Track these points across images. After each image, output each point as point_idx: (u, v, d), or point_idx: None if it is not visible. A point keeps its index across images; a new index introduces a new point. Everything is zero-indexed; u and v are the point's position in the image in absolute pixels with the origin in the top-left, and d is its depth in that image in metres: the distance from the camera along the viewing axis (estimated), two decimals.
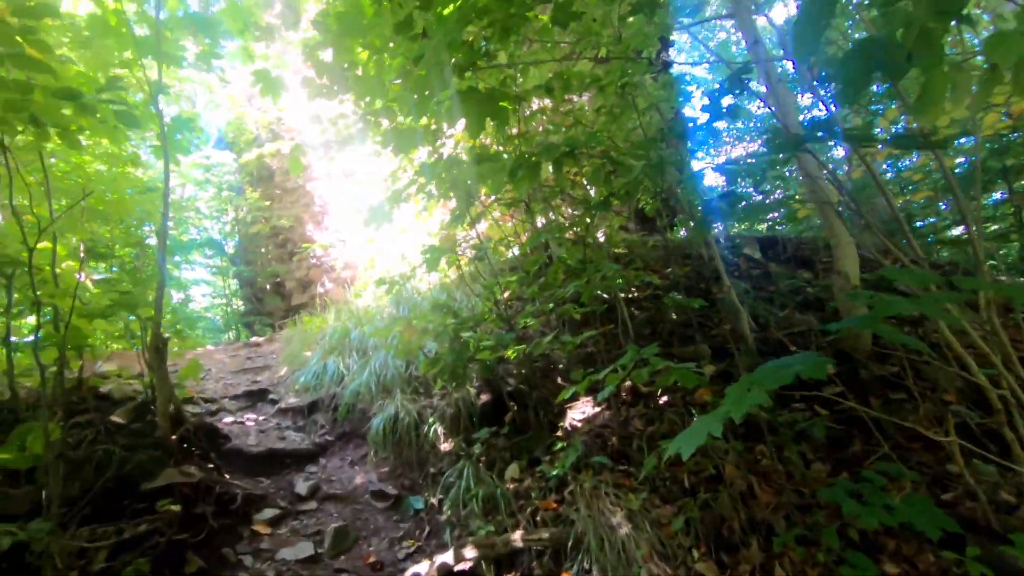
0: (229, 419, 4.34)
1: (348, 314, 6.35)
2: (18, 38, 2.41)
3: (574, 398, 3.72)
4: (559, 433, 3.48)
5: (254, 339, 7.87)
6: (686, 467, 2.74)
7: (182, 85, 12.06)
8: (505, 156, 3.67)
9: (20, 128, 2.64)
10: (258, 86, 4.67)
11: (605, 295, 4.52)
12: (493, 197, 4.71)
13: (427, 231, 7.46)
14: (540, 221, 5.13)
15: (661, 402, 3.37)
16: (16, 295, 3.59)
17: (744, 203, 2.34)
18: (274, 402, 4.79)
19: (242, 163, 11.04)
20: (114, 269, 10.92)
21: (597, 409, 3.54)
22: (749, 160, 8.69)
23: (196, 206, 11.61)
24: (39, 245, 3.92)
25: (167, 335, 4.64)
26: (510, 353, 3.20)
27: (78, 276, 3.78)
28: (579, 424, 3.46)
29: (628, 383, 3.68)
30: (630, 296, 4.64)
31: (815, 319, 3.83)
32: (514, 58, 3.31)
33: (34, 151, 3.38)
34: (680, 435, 1.50)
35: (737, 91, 2.14)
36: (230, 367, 6.17)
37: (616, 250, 5.90)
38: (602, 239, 5.71)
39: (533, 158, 2.92)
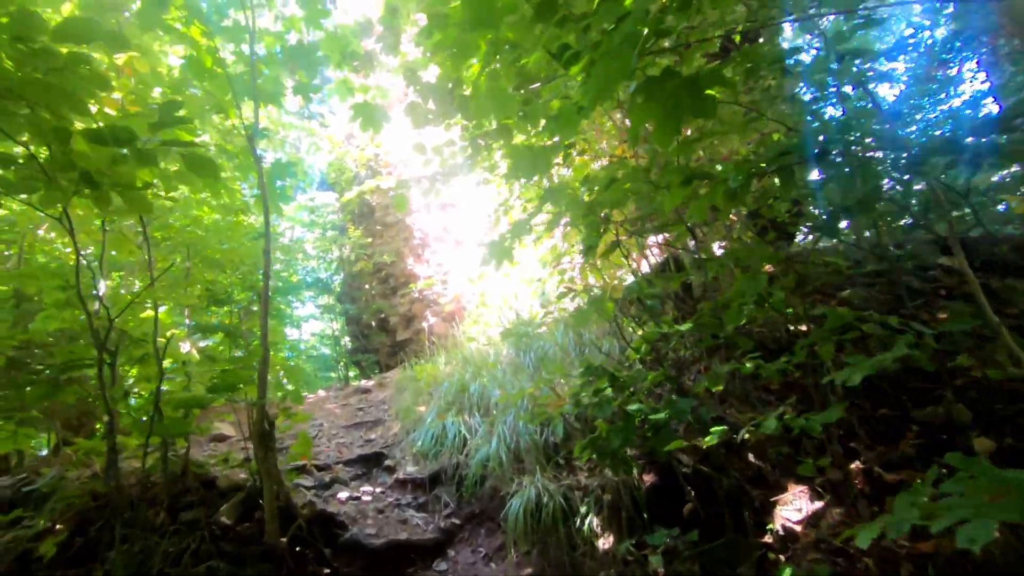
0: (344, 494, 3.82)
1: (461, 360, 5.77)
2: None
3: (778, 486, 2.77)
4: (768, 538, 2.54)
5: (363, 383, 7.55)
6: None
7: (286, 132, 12.53)
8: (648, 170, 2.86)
9: (73, 189, 2.17)
10: (358, 121, 4.25)
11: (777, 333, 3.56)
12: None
13: (539, 261, 6.79)
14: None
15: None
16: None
17: None
18: (390, 469, 4.23)
19: (343, 202, 11.11)
20: (237, 307, 11.45)
21: (819, 504, 2.57)
22: None
23: (303, 248, 11.82)
24: (143, 314, 3.67)
25: (280, 395, 4.29)
26: (708, 440, 2.33)
27: (183, 346, 3.44)
28: (797, 527, 2.50)
29: (858, 464, 2.68)
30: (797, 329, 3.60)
31: None
32: (681, 36, 2.52)
33: (135, 213, 3.07)
34: None
35: None
36: (341, 419, 5.78)
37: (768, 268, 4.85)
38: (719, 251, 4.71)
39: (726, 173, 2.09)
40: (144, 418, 2.82)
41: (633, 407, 2.60)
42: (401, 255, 11.32)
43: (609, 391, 2.76)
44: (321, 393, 7.59)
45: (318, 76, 4.37)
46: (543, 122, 3.47)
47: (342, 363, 12.15)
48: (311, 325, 16.17)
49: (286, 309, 13.58)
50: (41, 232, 4.74)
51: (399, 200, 4.51)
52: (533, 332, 5.09)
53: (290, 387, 4.47)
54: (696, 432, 2.93)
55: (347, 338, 13.03)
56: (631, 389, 2.82)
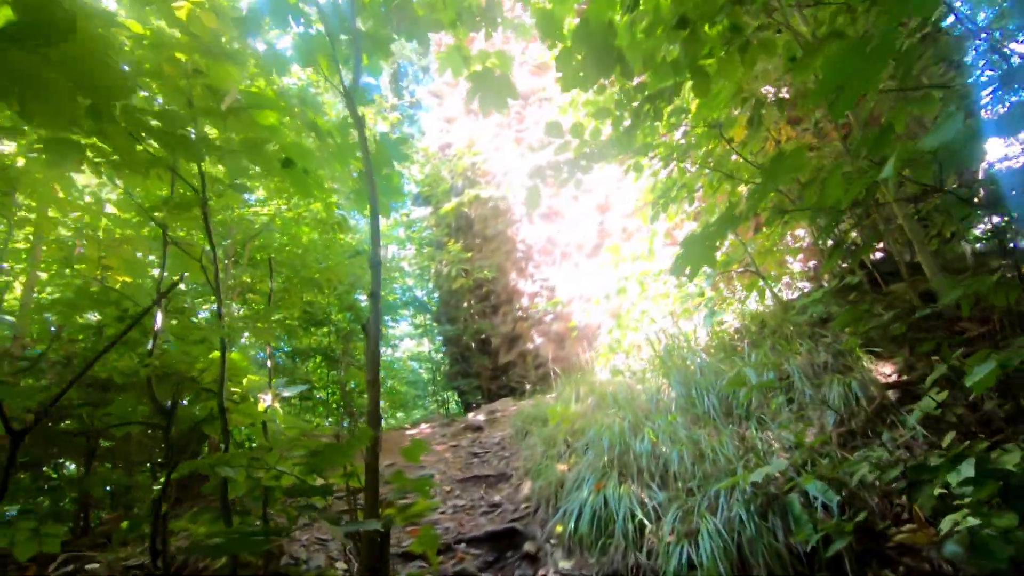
0: None
1: (597, 397, 4.58)
2: None
3: None
4: None
5: (472, 418, 6.55)
6: None
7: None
8: None
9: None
10: (474, 101, 3.24)
11: None
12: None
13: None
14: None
15: None
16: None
17: None
18: (533, 560, 3.09)
19: (441, 214, 10.39)
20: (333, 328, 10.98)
21: None
22: None
23: (400, 266, 11.22)
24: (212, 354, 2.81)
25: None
26: None
27: (265, 399, 2.51)
28: None
29: None
30: None
31: None
32: None
33: None
34: None
35: None
36: (454, 467, 4.76)
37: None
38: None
39: None
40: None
41: None
42: (503, 270, 10.37)
43: None
44: (424, 428, 6.67)
45: (427, 45, 3.44)
46: None
47: (440, 389, 11.36)
48: (406, 343, 15.69)
49: (383, 330, 13.12)
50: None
51: (531, 196, 3.43)
52: (705, 364, 3.81)
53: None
54: None
55: (445, 361, 12.29)
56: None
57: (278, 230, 7.21)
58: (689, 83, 2.88)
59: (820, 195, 2.18)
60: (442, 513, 3.84)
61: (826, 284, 5.40)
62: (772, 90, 4.70)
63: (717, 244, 2.40)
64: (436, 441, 5.72)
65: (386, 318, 13.89)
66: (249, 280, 7.00)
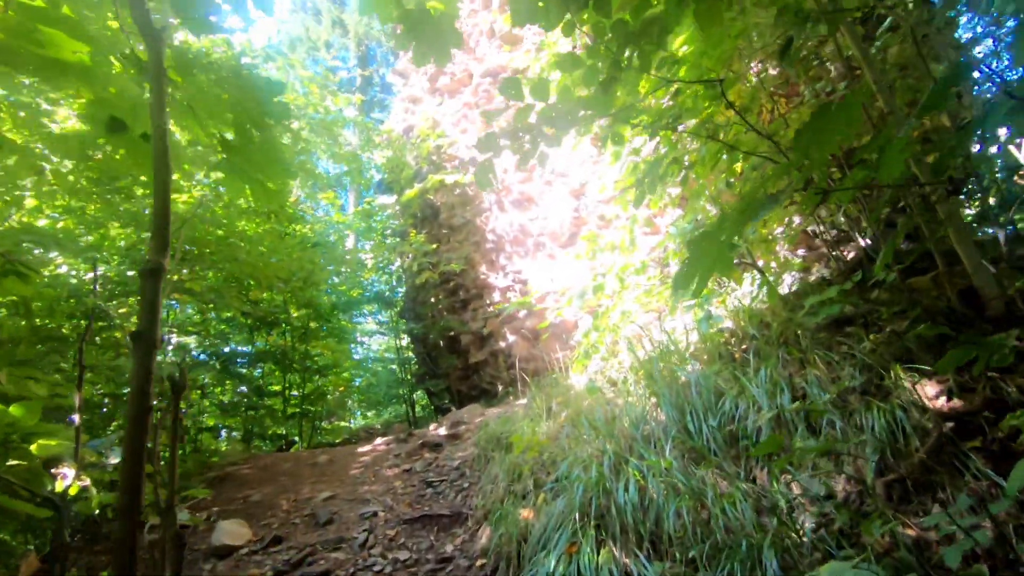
0: None
1: (571, 413, 3.87)
2: None
3: None
4: None
5: (433, 431, 5.79)
6: None
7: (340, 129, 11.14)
8: None
9: None
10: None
11: None
12: None
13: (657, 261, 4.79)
14: None
15: None
16: None
17: None
18: None
19: (403, 201, 9.52)
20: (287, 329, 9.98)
21: None
22: None
23: (359, 258, 10.34)
24: None
25: None
26: None
27: (65, 476, 1.69)
28: None
29: None
30: None
31: None
32: None
33: None
34: None
35: None
36: (403, 500, 4.00)
37: None
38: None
39: None
40: None
41: None
42: (472, 262, 9.57)
43: None
44: (379, 444, 5.89)
45: None
46: None
47: (408, 390, 10.56)
48: (382, 338, 14.79)
49: (347, 325, 12.20)
50: None
51: (482, 172, 2.65)
52: (700, 376, 3.11)
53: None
54: None
55: (412, 358, 11.46)
56: None
57: (209, 220, 6.30)
58: (687, 15, 2.12)
59: (879, 167, 1.45)
60: (379, 566, 3.09)
61: (824, 275, 4.76)
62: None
63: (736, 240, 1.69)
64: (388, 463, 4.95)
65: (355, 315, 12.96)
66: (178, 278, 6.09)
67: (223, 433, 8.43)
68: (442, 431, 5.65)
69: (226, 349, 8.57)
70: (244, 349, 9.88)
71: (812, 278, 4.72)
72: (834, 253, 6.22)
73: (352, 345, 14.19)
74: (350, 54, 23.90)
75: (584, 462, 2.93)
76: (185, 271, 7.02)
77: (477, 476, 4.05)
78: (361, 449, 5.60)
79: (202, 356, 7.88)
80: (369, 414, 14.59)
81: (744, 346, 3.77)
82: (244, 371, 8.36)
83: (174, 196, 5.20)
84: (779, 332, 3.57)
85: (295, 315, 10.59)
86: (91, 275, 5.46)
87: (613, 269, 3.92)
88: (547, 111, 2.64)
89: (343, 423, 14.02)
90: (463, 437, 5.17)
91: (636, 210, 4.11)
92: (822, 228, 5.42)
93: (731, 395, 2.92)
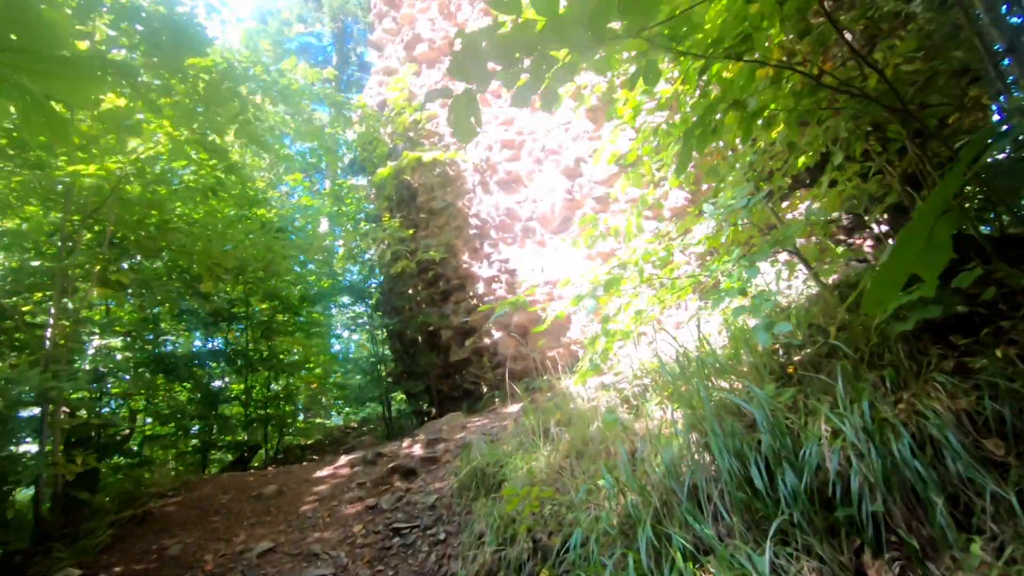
0: None
1: (571, 427, 3.03)
2: None
3: None
4: None
5: (406, 450, 4.90)
6: None
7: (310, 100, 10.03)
8: None
9: None
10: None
11: None
12: None
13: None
14: None
15: None
16: None
17: None
18: None
19: (376, 181, 8.52)
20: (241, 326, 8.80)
21: None
22: None
23: (327, 245, 9.33)
24: None
25: None
26: None
27: None
28: None
29: None
30: None
31: None
32: None
33: None
34: None
35: None
36: (362, 556, 3.12)
37: None
38: None
39: None
40: None
41: None
42: (453, 250, 8.63)
43: None
44: (341, 464, 4.99)
45: None
46: None
47: (384, 391, 9.63)
48: (356, 333, 13.86)
49: (319, 318, 11.20)
50: None
51: (459, 109, 1.74)
52: (763, 402, 2.27)
53: None
54: None
55: (387, 354, 10.52)
56: None
57: (140, 200, 5.25)
58: None
59: None
60: None
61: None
62: None
63: None
64: (349, 495, 4.06)
65: (330, 307, 11.95)
66: (98, 269, 5.06)
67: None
68: (417, 450, 4.77)
69: (169, 348, 7.54)
70: (196, 347, 8.86)
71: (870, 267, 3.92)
72: (848, 241, 5.45)
73: (332, 339, 13.21)
74: (325, 30, 22.57)
75: (605, 532, 2.07)
76: (123, 263, 6.00)
77: (457, 524, 3.18)
78: (319, 473, 4.70)
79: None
80: (347, 410, 13.70)
81: (797, 358, 2.95)
82: (191, 372, 7.32)
83: (79, 167, 4.18)
84: (852, 345, 2.73)
85: (260, 308, 9.57)
86: None
87: (635, 258, 3.05)
88: (564, 16, 1.72)
89: (318, 419, 13.09)
90: (441, 460, 4.29)
91: (669, 178, 3.25)
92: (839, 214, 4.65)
93: (811, 436, 2.08)
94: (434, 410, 9.40)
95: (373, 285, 10.33)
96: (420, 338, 9.37)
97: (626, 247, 6.62)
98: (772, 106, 2.37)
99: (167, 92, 4.81)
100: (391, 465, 4.40)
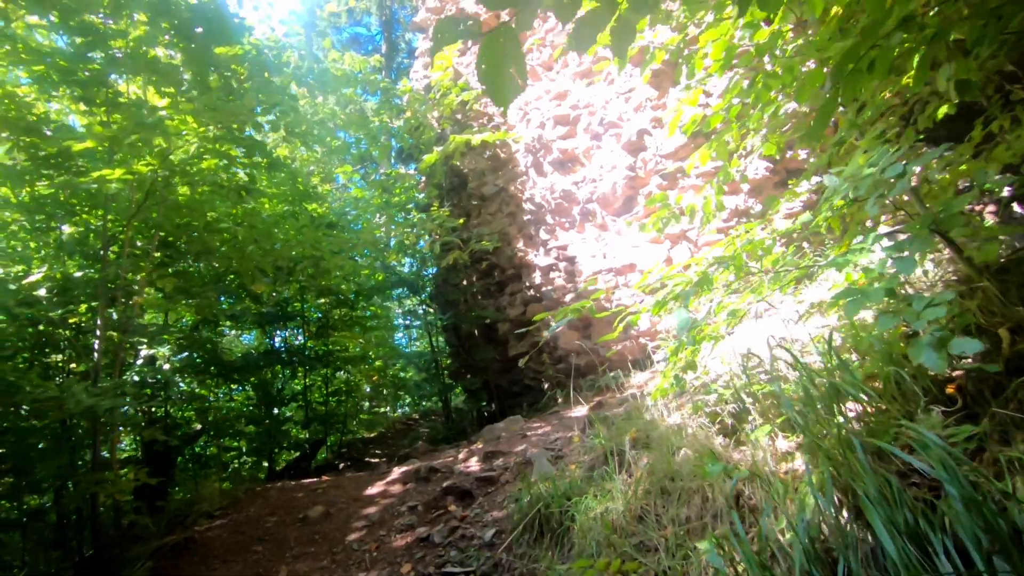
0: None
1: (652, 451, 2.45)
2: None
3: None
4: None
5: (462, 463, 4.46)
6: None
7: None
8: None
9: None
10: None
11: None
12: None
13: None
14: None
15: None
16: None
17: None
18: None
19: (424, 168, 8.08)
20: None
21: None
22: None
23: (379, 237, 9.02)
24: None
25: None
26: None
27: None
28: None
29: None
30: None
31: None
32: None
33: None
34: None
35: None
36: None
37: None
38: None
39: None
40: None
41: None
42: (507, 238, 8.10)
43: None
44: (395, 478, 4.62)
45: None
46: None
47: (442, 387, 9.32)
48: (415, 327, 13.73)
49: (377, 311, 11.03)
50: None
51: (491, 54, 1.17)
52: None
53: None
54: None
55: (443, 350, 10.20)
56: None
57: (187, 203, 5.02)
58: None
59: None
60: None
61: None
62: None
63: None
64: (400, 520, 3.66)
65: (386, 301, 11.78)
66: (141, 276, 4.88)
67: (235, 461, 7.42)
68: (473, 465, 4.33)
69: (225, 352, 7.47)
70: (251, 350, 8.85)
71: None
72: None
73: (392, 332, 13.12)
74: (372, 20, 22.39)
75: None
76: (172, 268, 5.88)
77: (519, 569, 2.68)
78: (370, 491, 4.34)
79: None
80: (408, 399, 13.70)
81: (958, 372, 2.21)
82: (249, 375, 7.22)
83: (107, 171, 3.93)
84: None
85: (316, 304, 9.45)
86: (32, 278, 4.30)
87: (738, 248, 2.38)
88: None
89: (382, 409, 13.11)
90: (499, 481, 3.82)
91: (756, 145, 2.55)
92: None
93: (1013, 499, 1.40)
94: (494, 405, 9.01)
95: (428, 276, 9.99)
96: (476, 332, 8.96)
97: (700, 229, 5.81)
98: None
99: (203, 88, 4.53)
100: (445, 484, 3.98)
